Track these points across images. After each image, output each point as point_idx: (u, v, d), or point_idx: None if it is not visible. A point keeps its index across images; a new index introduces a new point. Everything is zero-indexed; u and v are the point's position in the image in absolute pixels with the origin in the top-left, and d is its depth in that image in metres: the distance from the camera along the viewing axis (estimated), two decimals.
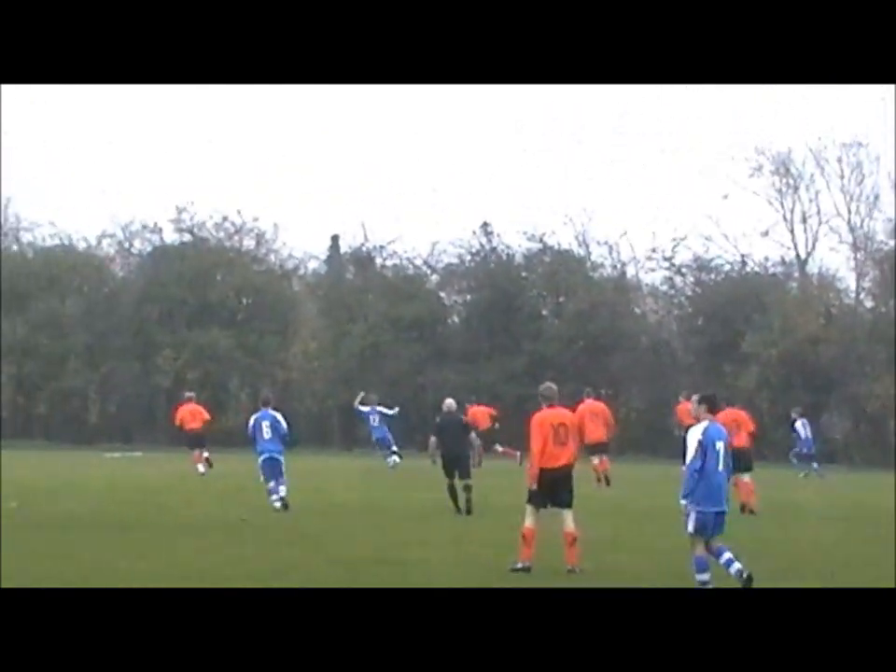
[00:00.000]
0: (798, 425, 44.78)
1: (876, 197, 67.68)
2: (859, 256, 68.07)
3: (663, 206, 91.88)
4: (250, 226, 70.87)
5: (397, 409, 43.97)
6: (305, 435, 59.75)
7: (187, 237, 70.29)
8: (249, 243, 71.73)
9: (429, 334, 66.69)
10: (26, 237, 73.18)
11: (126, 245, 72.02)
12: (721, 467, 15.21)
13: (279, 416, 26.54)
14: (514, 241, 68.44)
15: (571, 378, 58.95)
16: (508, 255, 68.68)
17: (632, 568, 17.55)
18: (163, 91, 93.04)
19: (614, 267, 68.68)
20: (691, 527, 15.11)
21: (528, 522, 17.53)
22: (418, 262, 69.66)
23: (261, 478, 26.26)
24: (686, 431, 15.95)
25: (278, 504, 25.68)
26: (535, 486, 17.61)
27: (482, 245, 68.60)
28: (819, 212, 69.16)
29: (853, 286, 67.66)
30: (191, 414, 38.97)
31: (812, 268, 69.32)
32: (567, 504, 17.70)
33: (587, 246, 69.14)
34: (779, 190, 69.40)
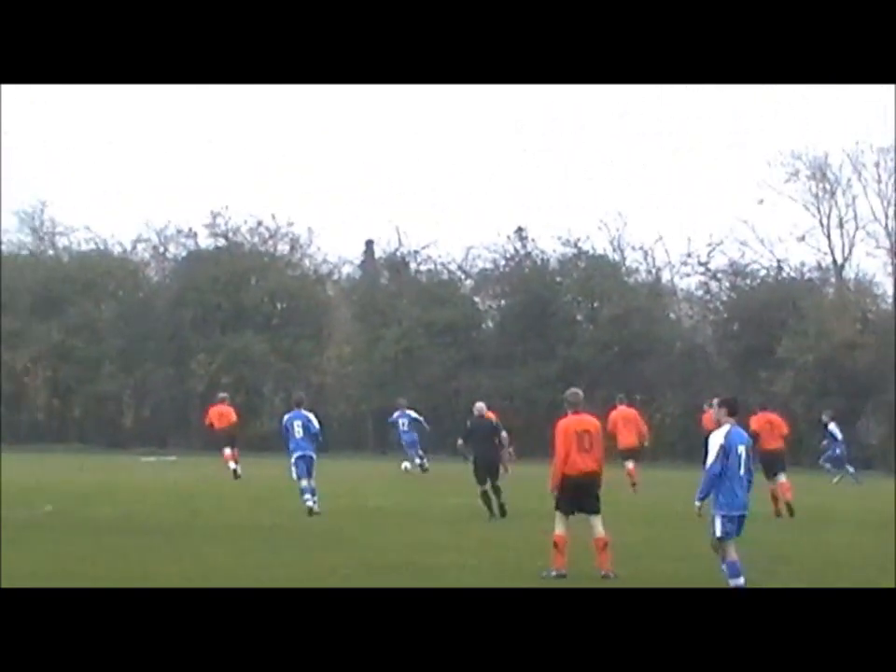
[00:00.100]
0: (832, 426, 44.58)
1: None
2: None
3: (698, 211, 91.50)
4: (285, 230, 70.93)
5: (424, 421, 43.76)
6: (339, 439, 59.74)
7: (221, 242, 70.36)
8: (284, 247, 71.76)
9: (463, 339, 66.57)
10: (62, 242, 73.46)
11: (161, 249, 72.16)
12: (742, 471, 15.24)
13: (311, 416, 26.63)
14: (549, 246, 68.31)
15: (605, 383, 58.84)
16: (542, 260, 68.51)
17: (668, 574, 17.45)
18: (201, 94, 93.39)
19: (649, 272, 68.44)
20: (719, 532, 15.16)
21: (559, 529, 17.50)
22: (452, 267, 69.57)
23: (294, 475, 26.29)
24: (707, 435, 16.00)
25: (311, 503, 25.71)
26: (556, 492, 17.67)
27: (516, 250, 68.46)
28: (855, 217, 68.80)
29: (890, 291, 67.19)
30: (219, 415, 39.25)
31: (849, 273, 68.97)
32: (595, 510, 17.66)
33: (622, 251, 68.92)
34: (816, 195, 69.05)
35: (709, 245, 66.41)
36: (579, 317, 68.39)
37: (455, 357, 64.95)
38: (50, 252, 72.90)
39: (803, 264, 67.34)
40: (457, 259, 69.17)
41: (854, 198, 68.51)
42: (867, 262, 72.35)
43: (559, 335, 64.94)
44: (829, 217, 69.04)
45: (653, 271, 68.31)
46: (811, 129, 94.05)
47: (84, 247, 71.67)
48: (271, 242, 71.27)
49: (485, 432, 26.34)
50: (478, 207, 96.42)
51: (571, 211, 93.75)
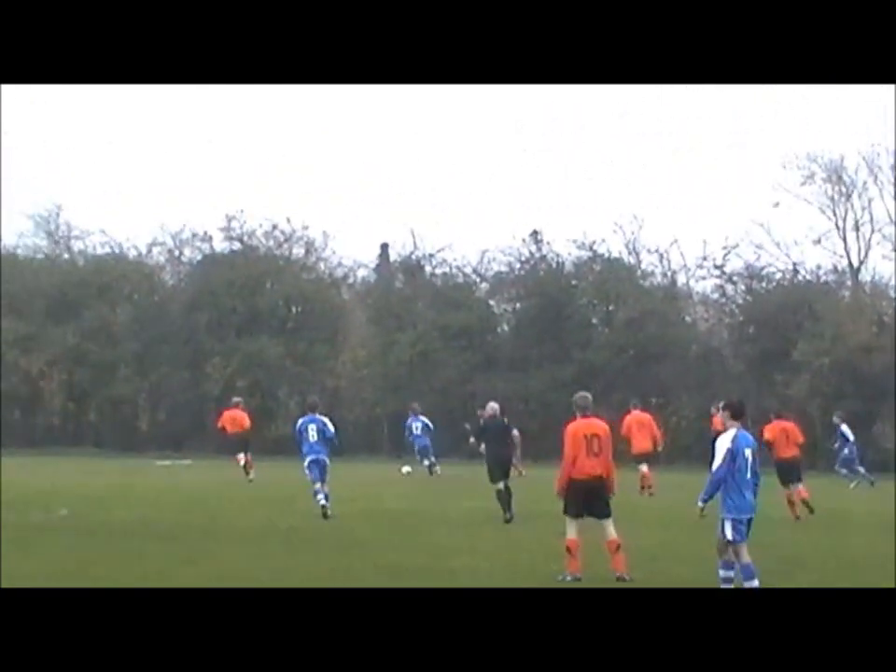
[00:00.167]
0: (844, 427, 44.50)
1: None
2: None
3: (714, 214, 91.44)
4: (300, 234, 70.95)
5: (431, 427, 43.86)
6: (354, 443, 59.74)
7: (236, 245, 70.41)
8: (299, 251, 71.79)
9: (478, 342, 66.53)
10: (77, 245, 73.64)
11: (176, 253, 72.24)
12: (749, 474, 15.30)
13: (326, 421, 26.63)
14: (564, 249, 68.24)
15: (621, 387, 58.71)
16: (557, 263, 68.43)
17: (683, 577, 17.39)
18: (216, 97, 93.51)
19: (664, 275, 68.33)
20: (730, 535, 15.20)
21: (570, 533, 17.51)
22: (468, 270, 69.54)
23: (308, 478, 26.28)
24: (714, 438, 16.05)
25: (321, 497, 25.72)
26: (562, 495, 17.73)
27: (531, 254, 68.40)
28: (871, 220, 68.70)
29: None
30: (232, 420, 39.31)
31: (865, 276, 68.84)
32: (605, 514, 17.65)
33: (637, 254, 68.84)
34: (832, 198, 68.93)
35: (725, 248, 66.32)
36: (594, 320, 68.29)
37: (471, 360, 64.90)
38: (66, 256, 73.08)
39: (818, 267, 67.23)
40: (472, 262, 69.21)
41: (870, 201, 68.45)
42: (883, 265, 72.48)
43: (574, 338, 64.86)
44: (845, 220, 68.95)
45: (669, 274, 68.21)
46: (811, 129, 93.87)
47: (99, 251, 71.87)
48: (286, 245, 71.30)
49: (498, 431, 26.41)
50: (493, 211, 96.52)
51: (586, 214, 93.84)
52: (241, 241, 70.33)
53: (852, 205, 68.81)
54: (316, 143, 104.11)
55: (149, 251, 71.69)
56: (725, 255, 66.29)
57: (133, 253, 71.36)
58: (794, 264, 67.10)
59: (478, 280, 69.87)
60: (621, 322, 64.89)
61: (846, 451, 44.38)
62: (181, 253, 72.16)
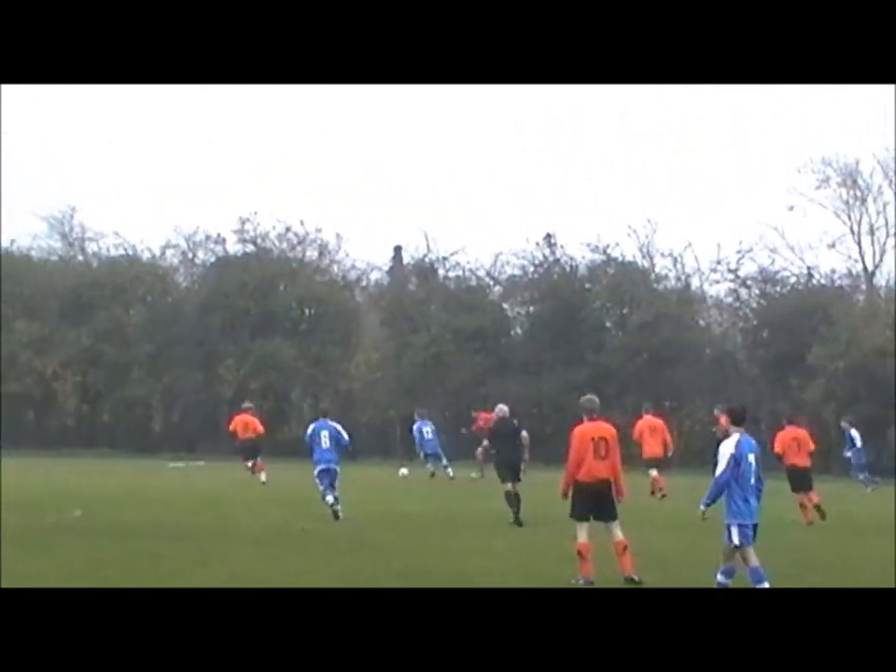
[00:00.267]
0: (853, 432, 44.50)
1: None
2: None
3: (728, 218, 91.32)
4: (313, 237, 70.98)
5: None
6: (367, 445, 59.73)
7: (250, 248, 70.46)
8: (312, 253, 71.79)
9: (492, 345, 66.49)
10: (91, 247, 73.78)
11: (190, 255, 72.31)
12: (753, 479, 15.31)
13: (340, 428, 26.58)
14: (578, 252, 68.18)
15: (634, 390, 58.69)
16: (571, 266, 68.37)
17: (697, 580, 17.33)
18: (231, 98, 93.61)
19: (678, 279, 68.21)
20: (736, 540, 15.24)
21: (581, 537, 17.52)
22: (481, 273, 69.53)
23: (319, 487, 26.22)
24: (718, 443, 16.05)
25: (330, 499, 25.70)
26: (565, 497, 17.82)
27: (545, 257, 68.33)
28: (886, 224, 68.56)
29: None
30: (244, 425, 39.29)
31: (879, 280, 68.72)
32: (612, 517, 17.68)
33: (651, 258, 68.74)
34: (846, 202, 68.84)
35: (739, 251, 66.25)
36: (608, 324, 68.21)
37: (484, 363, 64.86)
38: (80, 258, 73.21)
39: (833, 271, 67.14)
40: (486, 265, 69.21)
41: (885, 205, 68.32)
42: None
43: (588, 342, 64.79)
44: (859, 224, 68.84)
45: (683, 277, 68.10)
46: (824, 132, 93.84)
47: (113, 253, 71.96)
48: (299, 248, 71.33)
49: (509, 434, 26.54)
50: (506, 213, 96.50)
51: (601, 217, 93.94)
52: (254, 243, 70.38)
53: (867, 209, 68.72)
54: (331, 145, 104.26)
55: (163, 253, 71.83)
56: (739, 259, 66.26)
57: (146, 255, 71.49)
58: (809, 268, 67.04)
59: (491, 283, 69.84)
60: (634, 326, 64.81)
61: (852, 455, 44.39)
62: (195, 255, 72.26)
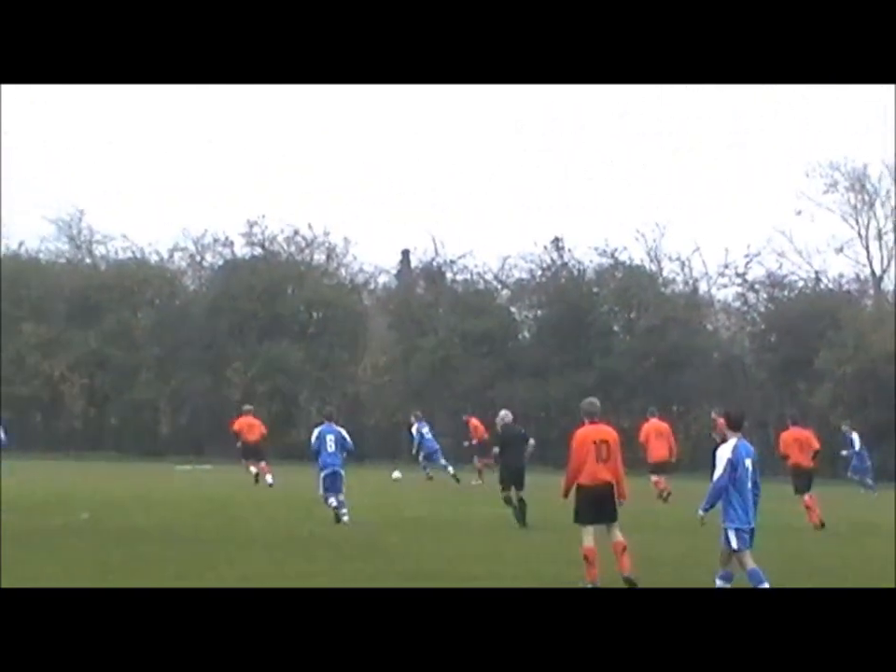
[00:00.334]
0: (854, 436, 44.55)
1: None
2: None
3: (736, 222, 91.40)
4: (321, 240, 71.01)
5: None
6: (375, 449, 59.72)
7: (258, 251, 70.52)
8: (320, 257, 71.83)
9: (500, 349, 66.49)
10: (99, 250, 73.76)
11: (198, 258, 72.35)
12: (750, 484, 15.35)
13: (344, 432, 26.66)
14: (585, 256, 68.19)
15: (642, 394, 58.66)
16: (579, 270, 68.38)
17: (699, 583, 17.30)
18: (237, 101, 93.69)
19: (686, 283, 68.20)
20: (735, 544, 15.28)
21: (586, 541, 17.56)
22: (489, 277, 69.57)
23: (320, 490, 26.24)
24: (715, 448, 16.07)
25: (333, 502, 25.73)
26: (565, 497, 17.95)
27: (552, 261, 68.34)
28: (895, 228, 68.47)
29: None
30: (249, 426, 39.34)
31: (887, 285, 68.73)
32: (612, 518, 17.73)
33: (659, 262, 68.73)
34: (854, 207, 68.82)
35: (747, 255, 66.27)
36: (615, 328, 68.20)
37: (492, 367, 64.85)
38: (88, 260, 73.22)
39: (841, 276, 67.15)
40: (493, 268, 69.22)
41: (893, 209, 68.21)
42: None
43: (595, 345, 64.78)
44: (867, 229, 68.82)
45: (690, 281, 68.09)
46: (832, 136, 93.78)
47: (121, 255, 72.00)
48: (307, 251, 71.37)
49: (516, 439, 26.62)
50: (514, 217, 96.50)
51: (608, 221, 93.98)
52: (262, 246, 70.43)
53: (875, 214, 68.72)
54: (339, 148, 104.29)
55: (171, 256, 71.85)
56: (747, 263, 66.27)
57: (154, 258, 71.55)
58: (817, 273, 67.05)
59: (499, 287, 69.85)
60: (642, 329, 64.78)
61: (853, 459, 44.43)
62: (203, 258, 72.29)
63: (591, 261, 68.01)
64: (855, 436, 44.62)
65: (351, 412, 61.83)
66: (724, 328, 70.04)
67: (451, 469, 42.06)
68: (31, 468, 42.78)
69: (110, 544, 20.76)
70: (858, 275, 68.10)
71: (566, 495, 18.01)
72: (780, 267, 66.73)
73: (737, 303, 68.15)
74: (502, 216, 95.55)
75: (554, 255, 68.26)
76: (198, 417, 67.89)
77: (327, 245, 71.13)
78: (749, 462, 15.46)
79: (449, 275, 70.20)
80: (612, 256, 67.38)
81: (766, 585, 15.10)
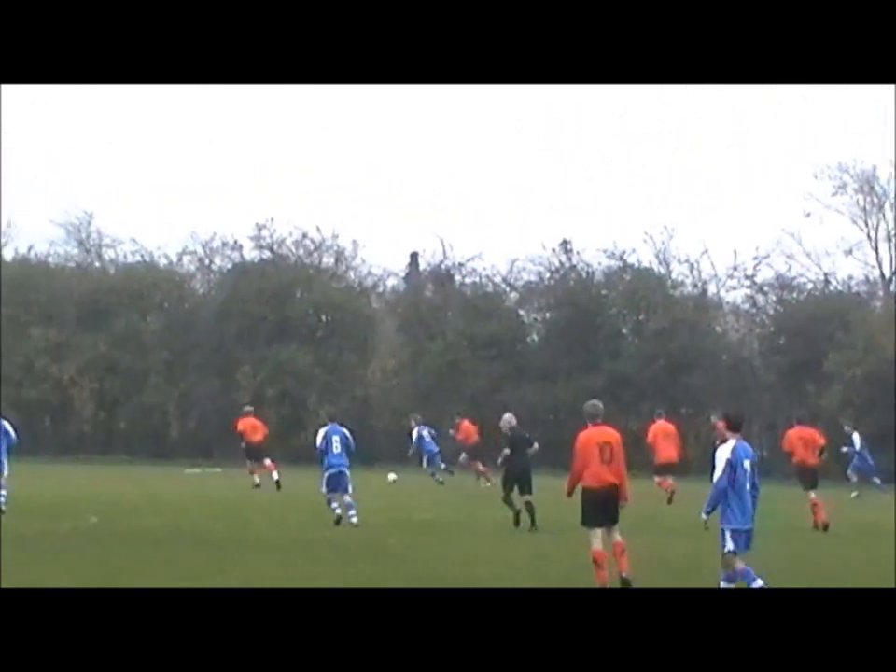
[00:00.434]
0: (855, 436, 44.57)
1: None
2: None
3: (744, 224, 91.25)
4: (330, 243, 71.03)
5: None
6: (383, 452, 59.70)
7: (266, 254, 70.53)
8: (329, 260, 71.85)
9: (508, 352, 66.44)
10: (108, 253, 73.84)
11: (206, 261, 72.36)
12: (749, 486, 15.37)
13: (347, 432, 26.79)
14: (594, 259, 68.05)
15: (651, 397, 58.53)
16: (587, 273, 68.31)
17: (703, 585, 17.32)
18: (246, 104, 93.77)
19: (695, 285, 68.09)
20: (730, 546, 15.29)
21: (595, 544, 17.63)
22: (497, 280, 69.48)
23: (323, 489, 26.33)
24: (714, 449, 16.10)
25: (335, 505, 25.83)
26: (569, 497, 18.15)
27: (561, 263, 68.27)
28: None
29: None
30: (252, 427, 39.43)
31: None
32: (614, 520, 17.75)
33: (667, 264, 68.61)
34: (864, 209, 68.70)
35: (756, 258, 66.15)
36: (624, 330, 68.12)
37: (500, 370, 64.83)
38: (97, 264, 73.29)
39: (850, 278, 67.04)
40: (502, 271, 69.13)
41: None
42: None
43: (604, 348, 64.74)
44: (877, 231, 68.71)
45: (699, 284, 67.99)
46: (860, 142, 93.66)
47: (130, 259, 72.05)
48: (316, 254, 71.39)
49: (523, 443, 26.81)
50: (523, 219, 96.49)
51: (616, 223, 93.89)
52: (271, 249, 70.47)
53: (884, 216, 68.59)
54: (347, 152, 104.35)
55: (180, 259, 71.89)
56: (756, 265, 66.16)
57: (163, 261, 71.60)
58: (826, 275, 66.94)
59: (508, 289, 69.80)
60: (651, 332, 64.72)
61: (855, 459, 44.42)
62: (211, 261, 72.31)
63: (599, 264, 67.98)
64: (856, 436, 44.63)
65: (359, 415, 61.80)
66: (733, 330, 69.93)
67: (443, 464, 42.41)
68: (40, 471, 42.83)
69: (119, 547, 20.80)
70: (867, 277, 68.03)
71: (570, 494, 18.09)
72: (789, 269, 66.69)
73: (746, 306, 68.06)
74: (506, 217, 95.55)
75: (563, 257, 68.19)
76: (207, 421, 67.89)
77: (335, 248, 71.17)
78: (747, 463, 15.47)
79: (457, 278, 70.17)
80: (621, 258, 67.32)
81: (760, 582, 15.11)
